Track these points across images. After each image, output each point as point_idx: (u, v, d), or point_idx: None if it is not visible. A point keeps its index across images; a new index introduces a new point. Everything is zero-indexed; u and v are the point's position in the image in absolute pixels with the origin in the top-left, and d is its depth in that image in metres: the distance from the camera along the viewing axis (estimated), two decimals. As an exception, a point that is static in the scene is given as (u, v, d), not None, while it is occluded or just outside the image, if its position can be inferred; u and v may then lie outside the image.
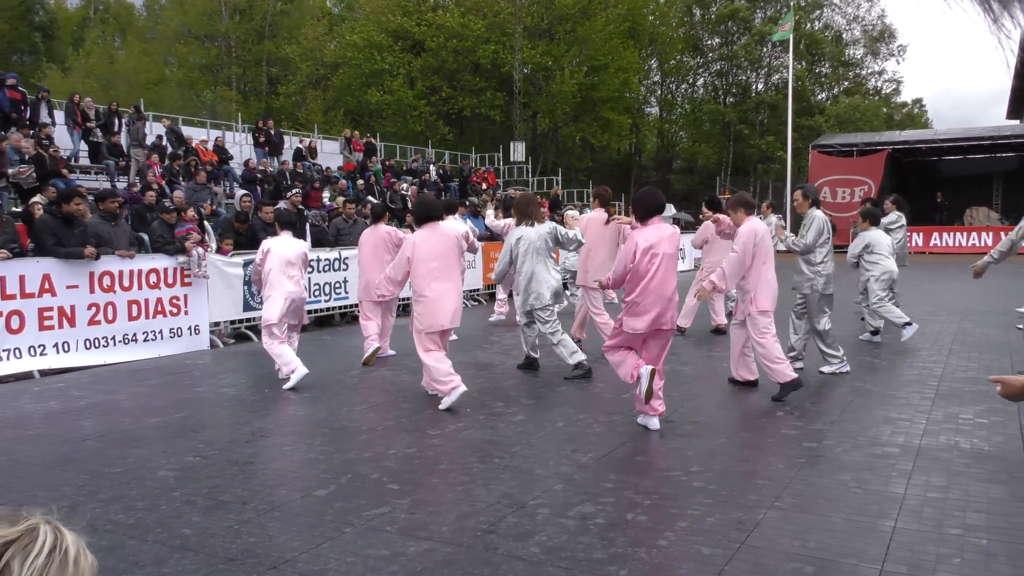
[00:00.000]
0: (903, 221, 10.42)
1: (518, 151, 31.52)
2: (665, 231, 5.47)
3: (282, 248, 7.34)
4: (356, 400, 6.60)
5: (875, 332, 9.24)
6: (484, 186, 23.67)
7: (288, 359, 7.11)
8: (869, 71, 49.07)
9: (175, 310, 9.06)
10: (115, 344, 8.42)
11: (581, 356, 7.32)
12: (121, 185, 14.21)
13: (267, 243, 7.41)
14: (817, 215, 7.33)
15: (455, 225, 7.64)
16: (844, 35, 47.94)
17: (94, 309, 8.24)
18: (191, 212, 10.49)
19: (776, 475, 4.49)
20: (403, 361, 8.22)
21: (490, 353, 8.59)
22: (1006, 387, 2.78)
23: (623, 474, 4.58)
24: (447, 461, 4.84)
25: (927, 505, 4.01)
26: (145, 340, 8.72)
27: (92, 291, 8.22)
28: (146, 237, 9.83)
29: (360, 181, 18.67)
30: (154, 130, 18.05)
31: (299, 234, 11.35)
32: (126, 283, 8.54)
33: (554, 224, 7.72)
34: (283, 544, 3.61)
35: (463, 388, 6.22)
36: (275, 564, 3.41)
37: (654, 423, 5.48)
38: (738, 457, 4.87)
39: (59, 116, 16.20)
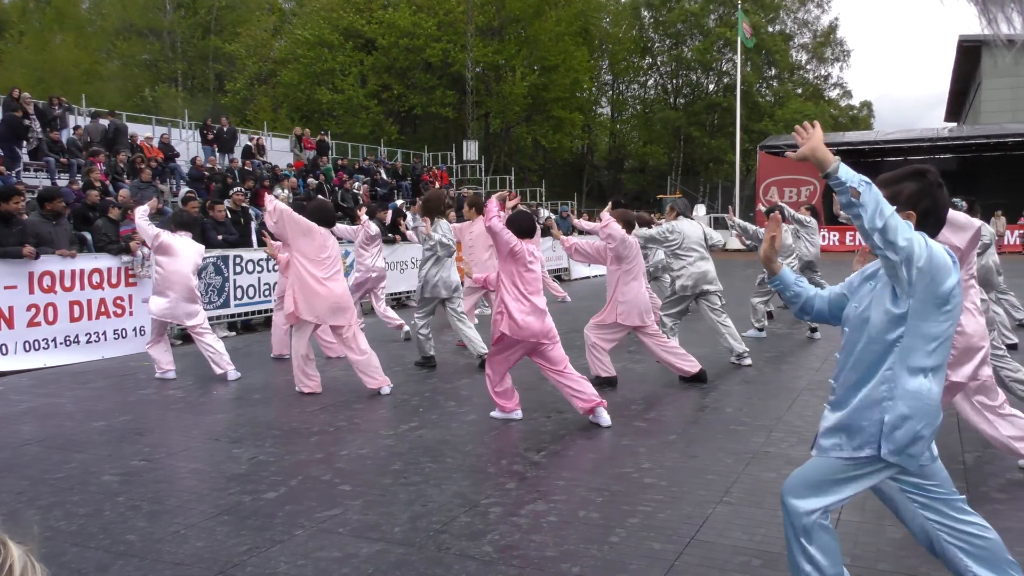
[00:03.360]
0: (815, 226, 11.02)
1: (471, 150, 31.49)
2: (537, 253, 5.70)
3: (183, 249, 7.35)
4: (307, 401, 6.53)
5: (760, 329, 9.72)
6: (437, 185, 23.58)
7: (164, 365, 7.47)
8: (815, 75, 50.20)
9: (119, 311, 8.85)
10: (56, 346, 8.20)
11: (431, 353, 7.99)
12: (62, 183, 13.80)
13: (166, 235, 7.37)
14: (672, 224, 7.83)
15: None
16: (794, 39, 48.95)
17: (34, 310, 8.00)
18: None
19: (725, 470, 4.57)
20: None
21: (443, 353, 8.57)
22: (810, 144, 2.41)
23: (575, 472, 4.61)
24: (400, 461, 4.82)
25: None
26: (88, 342, 8.51)
27: (32, 292, 7.98)
28: (89, 236, 9.58)
29: (312, 180, 18.45)
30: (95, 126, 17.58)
31: (244, 232, 11.26)
32: (67, 283, 8.31)
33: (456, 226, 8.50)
34: (231, 548, 3.55)
35: (317, 392, 6.76)
36: (223, 568, 3.35)
37: (605, 419, 5.56)
38: (688, 453, 4.95)
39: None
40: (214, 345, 7.43)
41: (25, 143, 14.56)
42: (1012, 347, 8.14)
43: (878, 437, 2.42)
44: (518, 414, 5.79)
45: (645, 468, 4.63)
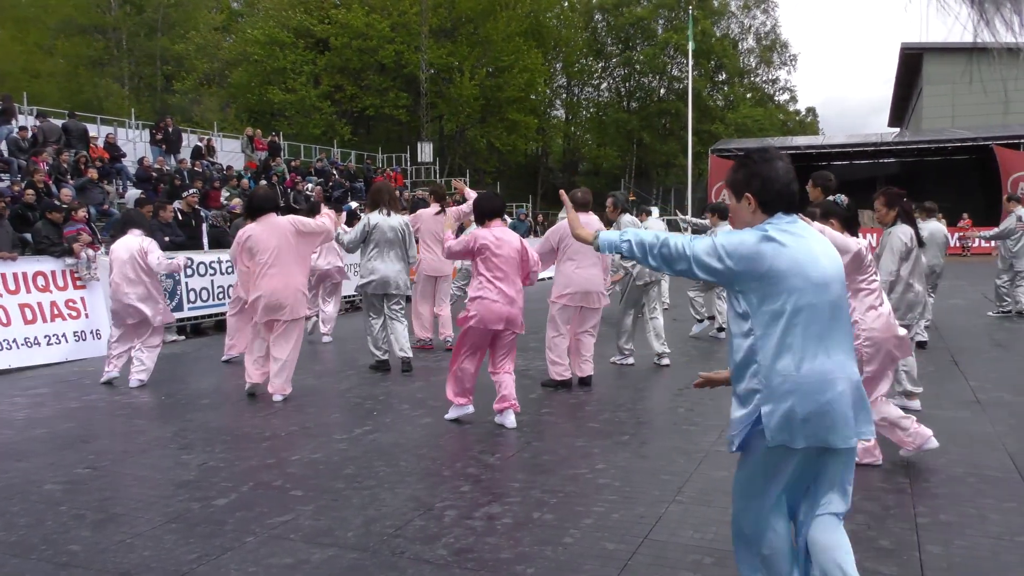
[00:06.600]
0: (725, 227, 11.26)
1: (425, 152, 31.38)
2: (506, 235, 5.59)
3: (120, 249, 7.15)
4: (259, 405, 6.43)
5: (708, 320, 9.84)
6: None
7: (108, 368, 7.29)
8: (763, 79, 51.16)
9: (74, 313, 8.64)
10: (12, 348, 7.99)
11: (384, 357, 7.76)
12: (3, 184, 13.38)
13: (113, 246, 7.26)
14: (622, 218, 7.74)
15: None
16: (740, 44, 49.81)
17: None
18: (82, 212, 9.95)
19: (677, 470, 4.62)
20: (306, 365, 8.07)
21: (395, 356, 8.51)
22: (711, 382, 2.78)
23: (530, 474, 4.62)
24: (353, 465, 4.78)
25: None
26: (49, 344, 8.32)
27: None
28: (30, 238, 9.32)
29: (264, 182, 18.20)
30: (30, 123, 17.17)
31: (195, 234, 11.05)
32: (12, 286, 8.10)
33: (407, 219, 8.09)
34: (180, 556, 3.48)
35: (253, 387, 6.69)
36: (172, 578, 3.29)
37: (510, 421, 5.63)
38: (641, 454, 4.99)
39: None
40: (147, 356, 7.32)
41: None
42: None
43: (762, 426, 2.42)
44: (470, 408, 5.77)
45: (599, 469, 4.66)
